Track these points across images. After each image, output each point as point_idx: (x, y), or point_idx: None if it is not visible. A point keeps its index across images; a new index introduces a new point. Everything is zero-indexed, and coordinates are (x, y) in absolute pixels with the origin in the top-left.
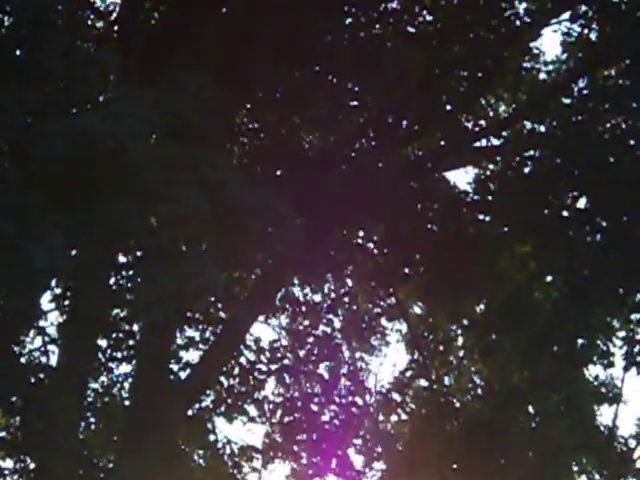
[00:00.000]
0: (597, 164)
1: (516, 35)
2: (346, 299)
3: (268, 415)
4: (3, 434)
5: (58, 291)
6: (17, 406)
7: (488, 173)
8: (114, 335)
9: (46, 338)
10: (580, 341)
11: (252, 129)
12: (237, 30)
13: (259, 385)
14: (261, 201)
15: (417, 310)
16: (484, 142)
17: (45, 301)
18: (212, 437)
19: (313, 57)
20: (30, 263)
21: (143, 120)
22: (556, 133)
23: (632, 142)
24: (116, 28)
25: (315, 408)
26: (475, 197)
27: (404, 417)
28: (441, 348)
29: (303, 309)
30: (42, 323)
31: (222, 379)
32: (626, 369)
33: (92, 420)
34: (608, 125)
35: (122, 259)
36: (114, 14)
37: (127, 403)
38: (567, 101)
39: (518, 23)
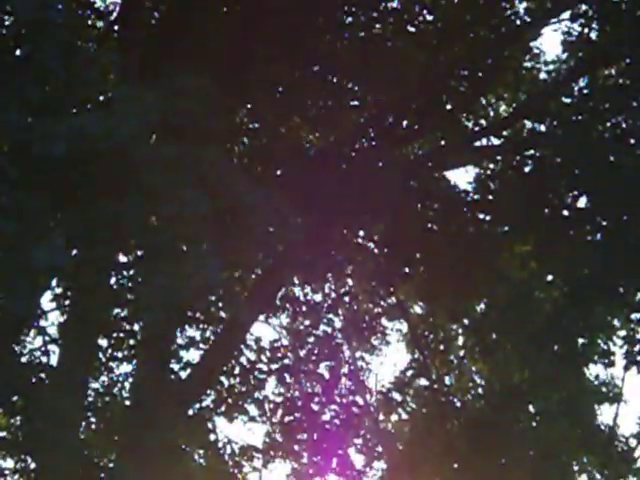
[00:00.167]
0: (598, 163)
1: (516, 34)
2: (346, 299)
3: (269, 415)
4: (4, 434)
5: (59, 291)
6: (18, 406)
7: (488, 172)
8: (115, 335)
9: (47, 338)
10: (581, 340)
11: (252, 128)
12: (237, 29)
13: (259, 385)
14: (261, 200)
15: (417, 310)
16: (484, 141)
17: (45, 301)
18: (213, 437)
19: (313, 56)
20: (31, 263)
21: (144, 120)
22: (556, 132)
23: (633, 141)
24: (116, 28)
25: (316, 408)
26: (475, 196)
27: (405, 416)
28: (442, 347)
29: (303, 309)
30: (43, 323)
31: (223, 379)
32: (626, 368)
33: (93, 420)
34: (608, 124)
35: (123, 259)
36: (114, 14)
37: (128, 403)
38: (567, 100)
39: (518, 22)
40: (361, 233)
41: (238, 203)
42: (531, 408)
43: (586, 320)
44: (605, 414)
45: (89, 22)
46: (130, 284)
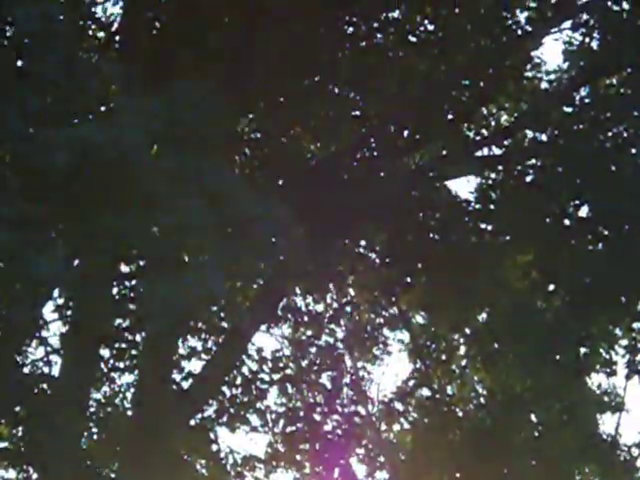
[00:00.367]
0: (599, 173)
1: (517, 44)
2: (348, 309)
3: (270, 425)
4: (6, 444)
5: (60, 301)
6: (20, 416)
7: (490, 182)
8: (116, 345)
9: (48, 348)
10: (582, 350)
11: (254, 139)
12: (238, 39)
13: (261, 395)
14: (263, 211)
15: (419, 319)
16: (486, 151)
17: (47, 311)
18: (215, 447)
19: (314, 67)
20: (32, 273)
21: (145, 130)
22: (558, 142)
23: (634, 151)
24: (117, 38)
25: (318, 418)
26: (477, 206)
27: (407, 426)
28: (444, 357)
29: (305, 319)
30: (44, 333)
31: (224, 389)
32: (628, 378)
33: (95, 430)
34: (610, 134)
35: (124, 269)
36: (115, 24)
37: (130, 413)
38: (569, 110)
39: (519, 32)
40: (363, 243)
41: (239, 213)
42: (533, 418)
43: (588, 329)
44: (607, 423)
45: (90, 32)
46: (132, 294)
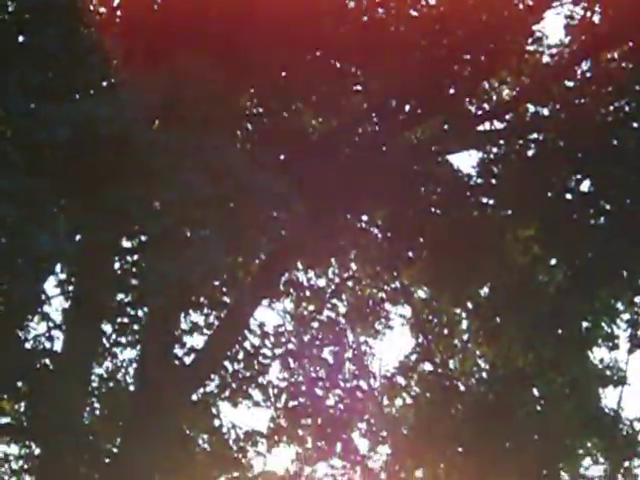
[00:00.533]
0: (600, 147)
1: (519, 18)
2: (350, 283)
3: (273, 400)
4: (8, 419)
5: (62, 276)
6: (22, 391)
7: (491, 156)
8: (119, 320)
9: (51, 324)
10: (584, 324)
11: (255, 114)
12: (239, 14)
13: (263, 370)
14: (265, 186)
15: (421, 294)
16: (487, 125)
17: (50, 286)
18: (217, 422)
19: (315, 41)
20: (34, 248)
21: (146, 105)
22: (559, 116)
23: (635, 125)
24: (119, 13)
25: (320, 392)
26: (479, 180)
27: (409, 401)
28: (446, 332)
29: (307, 294)
30: (47, 309)
31: (227, 364)
32: (630, 351)
33: (97, 405)
34: (611, 108)
35: (126, 244)
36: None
37: (132, 388)
38: (570, 84)
39: (521, 6)
40: (364, 218)
41: (241, 188)
42: (535, 392)
43: (590, 304)
44: (609, 397)
45: (91, 7)
46: (134, 269)
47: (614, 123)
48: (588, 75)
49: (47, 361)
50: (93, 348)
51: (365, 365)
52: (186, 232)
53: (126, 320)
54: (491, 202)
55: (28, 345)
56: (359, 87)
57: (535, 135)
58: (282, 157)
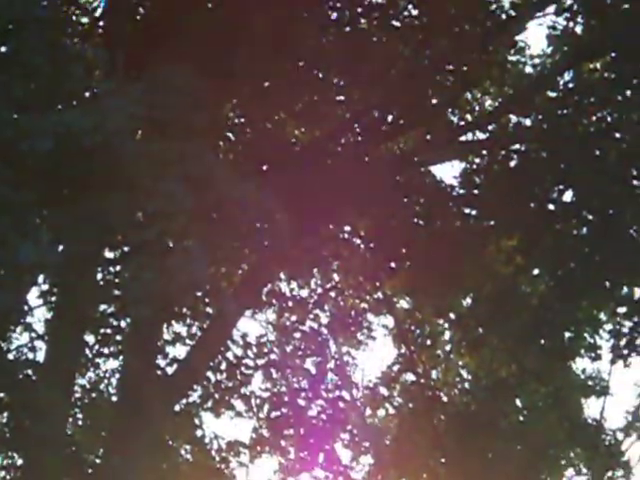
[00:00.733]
0: (583, 157)
1: (502, 29)
2: (333, 294)
3: (255, 410)
4: None
5: (45, 287)
6: (4, 402)
7: (474, 167)
8: (101, 331)
9: (33, 334)
10: (567, 334)
11: (238, 123)
12: (222, 24)
13: (246, 380)
14: (247, 196)
15: (404, 304)
16: (470, 136)
17: (32, 297)
18: (199, 432)
19: (298, 52)
20: (16, 259)
21: (129, 115)
22: (542, 127)
23: (617, 135)
24: (101, 23)
25: (302, 403)
26: (461, 191)
27: (392, 411)
28: (428, 342)
29: (290, 304)
30: (29, 319)
31: (209, 374)
32: (613, 362)
33: (80, 416)
34: (594, 118)
35: (109, 254)
36: (99, 9)
37: (114, 399)
38: (553, 94)
39: (504, 17)
40: (347, 228)
41: (224, 198)
42: (518, 402)
43: (572, 314)
44: (592, 408)
45: (74, 18)
46: (116, 280)
47: (596, 134)
48: (570, 86)
49: (29, 372)
50: (76, 359)
51: (348, 375)
52: (169, 243)
53: (109, 331)
54: (473, 213)
55: (10, 356)
56: (341, 97)
57: (517, 146)
58: (264, 167)
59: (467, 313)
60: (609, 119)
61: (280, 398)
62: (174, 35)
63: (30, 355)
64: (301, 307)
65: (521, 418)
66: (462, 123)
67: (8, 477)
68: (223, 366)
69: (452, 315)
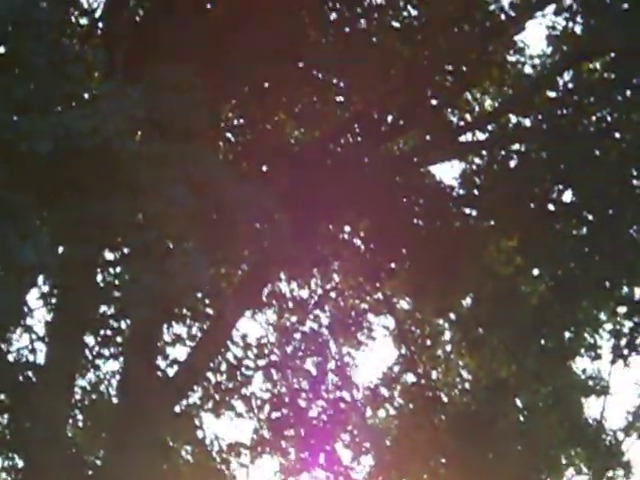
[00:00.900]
0: (583, 157)
1: (501, 29)
2: (333, 295)
3: (256, 411)
4: None
5: (45, 289)
6: (5, 404)
7: (474, 167)
8: (102, 332)
9: (33, 336)
10: (567, 334)
11: (237, 125)
12: (221, 25)
13: (246, 381)
14: (247, 197)
15: (404, 305)
16: (469, 136)
17: (32, 299)
18: (200, 433)
19: (298, 52)
20: (17, 260)
21: (128, 116)
22: (542, 127)
23: (617, 135)
24: (100, 25)
25: (303, 404)
26: (461, 191)
27: (392, 412)
28: (428, 343)
29: (290, 305)
30: (29, 321)
31: (209, 375)
32: (613, 362)
33: (80, 417)
34: (593, 118)
35: (109, 256)
36: (98, 11)
37: (115, 400)
38: (552, 94)
39: (503, 17)
40: (347, 229)
41: (223, 199)
42: (518, 402)
43: (572, 314)
44: (592, 407)
45: (73, 19)
46: (117, 281)
47: (596, 134)
48: (570, 86)
49: (30, 373)
50: (76, 360)
51: (348, 376)
52: (169, 244)
53: (109, 332)
54: (473, 213)
55: (11, 357)
56: (341, 98)
57: (517, 146)
58: (264, 168)
59: (467, 313)
60: (609, 119)
61: (280, 399)
62: (173, 36)
63: (30, 357)
64: (301, 308)
65: (521, 418)
66: (462, 123)
67: (9, 479)
68: (223, 367)
69: (452, 315)
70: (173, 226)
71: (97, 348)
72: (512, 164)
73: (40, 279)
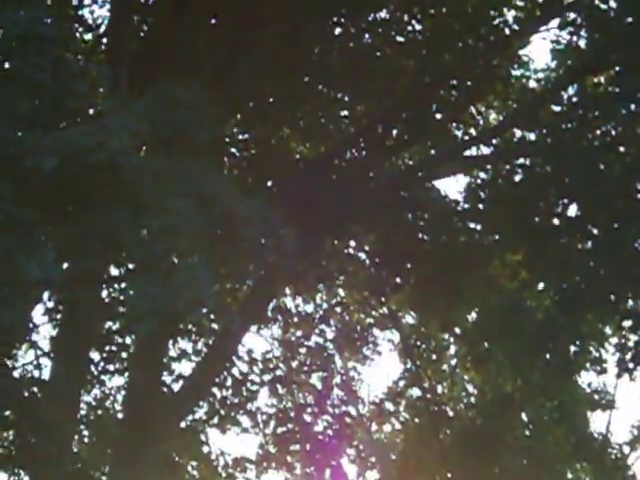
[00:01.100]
0: (587, 171)
1: (505, 43)
2: (338, 309)
3: (261, 426)
4: None
5: (50, 304)
6: (10, 420)
7: (479, 182)
8: (107, 348)
9: (39, 351)
10: (572, 348)
11: (242, 140)
12: (226, 41)
13: (252, 396)
14: (252, 212)
15: (409, 319)
16: (474, 151)
17: (37, 314)
18: (205, 448)
19: (303, 67)
20: (22, 276)
21: (133, 132)
22: (546, 141)
23: (622, 149)
24: (105, 41)
25: (308, 418)
26: (466, 206)
27: (398, 426)
28: (434, 357)
29: (295, 320)
30: (35, 337)
31: (215, 390)
32: (619, 376)
33: (85, 433)
34: (598, 132)
35: (114, 271)
36: (103, 27)
37: (120, 416)
38: (557, 109)
39: (507, 31)
40: (352, 243)
41: (229, 215)
42: (524, 416)
43: (578, 328)
44: (598, 421)
45: (78, 35)
46: (122, 297)
47: (601, 148)
48: (575, 100)
49: (35, 389)
50: (81, 376)
51: (353, 391)
52: (174, 259)
53: (114, 348)
54: (478, 227)
55: (16, 373)
56: (346, 112)
57: (522, 160)
58: (269, 183)
59: (472, 328)
60: (613, 133)
61: (286, 414)
62: (177, 52)
63: (35, 373)
64: (306, 322)
65: (527, 432)
66: (466, 138)
67: None
68: (229, 382)
69: (457, 330)
70: (178, 241)
71: (102, 363)
72: (517, 178)
73: (45, 295)
